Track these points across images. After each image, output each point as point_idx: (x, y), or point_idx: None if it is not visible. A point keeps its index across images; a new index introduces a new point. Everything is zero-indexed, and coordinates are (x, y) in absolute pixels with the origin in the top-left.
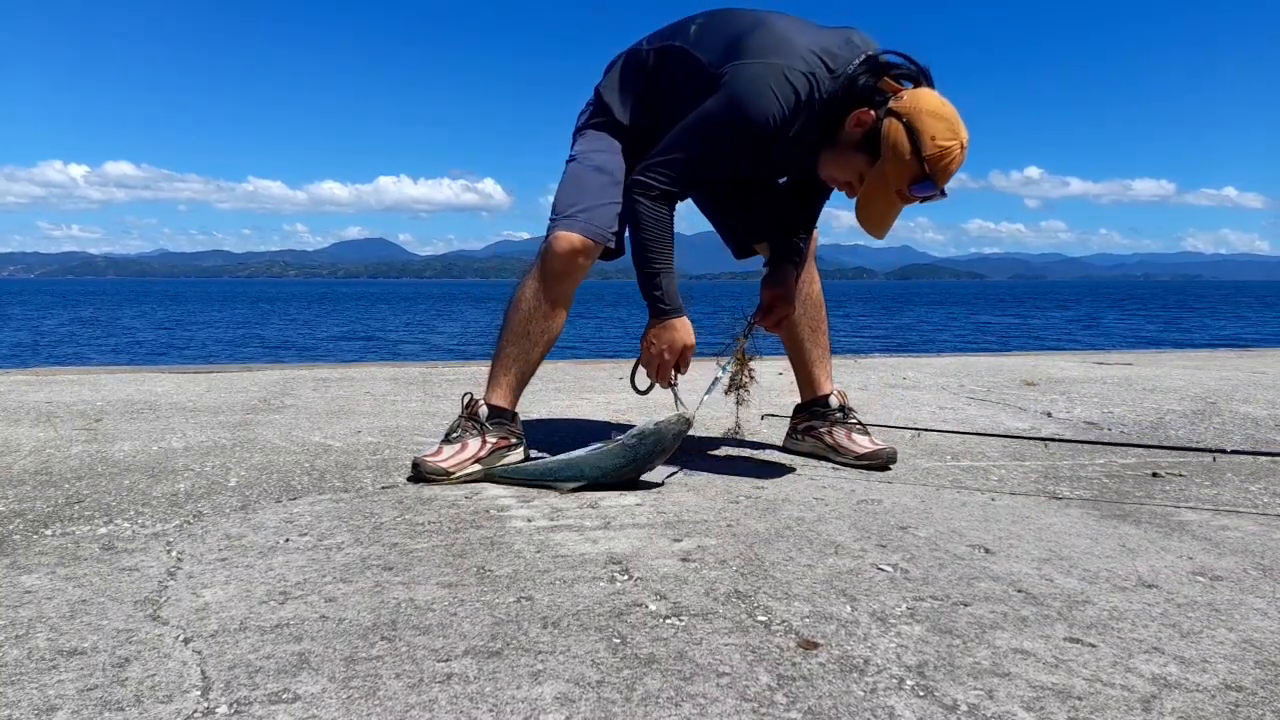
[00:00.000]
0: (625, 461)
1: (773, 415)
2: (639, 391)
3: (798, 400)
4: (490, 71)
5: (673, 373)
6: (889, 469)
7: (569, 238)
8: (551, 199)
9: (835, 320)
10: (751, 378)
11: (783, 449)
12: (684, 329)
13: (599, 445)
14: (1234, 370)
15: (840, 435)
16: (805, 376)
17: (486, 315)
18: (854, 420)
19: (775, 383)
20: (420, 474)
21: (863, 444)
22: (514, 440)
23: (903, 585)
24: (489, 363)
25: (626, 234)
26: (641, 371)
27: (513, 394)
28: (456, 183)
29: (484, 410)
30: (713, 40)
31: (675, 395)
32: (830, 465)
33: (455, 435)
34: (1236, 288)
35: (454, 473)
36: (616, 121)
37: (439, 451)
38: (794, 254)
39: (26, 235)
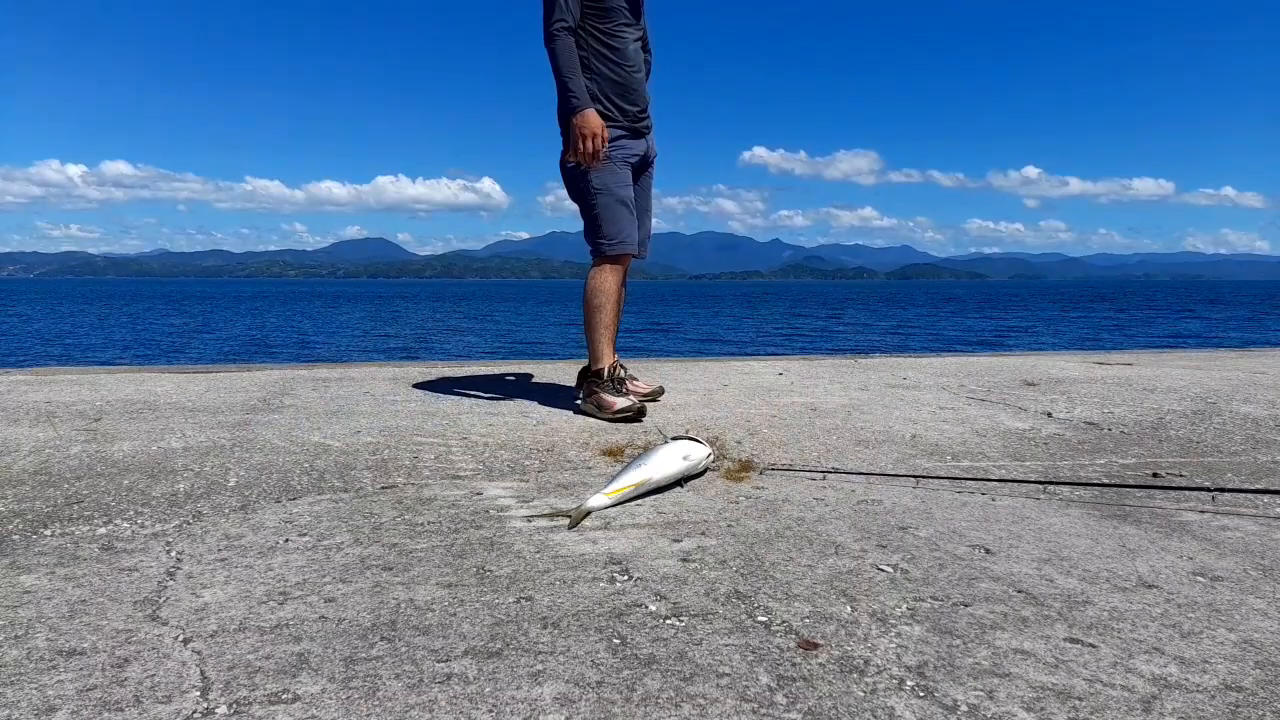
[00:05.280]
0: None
1: (773, 469)
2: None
3: (795, 399)
4: (487, 70)
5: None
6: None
7: (623, 259)
8: (551, 198)
9: (841, 323)
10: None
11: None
12: (595, 116)
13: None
14: (1234, 370)
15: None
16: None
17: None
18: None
19: (775, 383)
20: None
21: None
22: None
23: (903, 585)
24: (485, 363)
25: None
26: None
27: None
28: (455, 182)
29: (622, 373)
30: None
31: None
32: (829, 466)
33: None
34: (1235, 287)
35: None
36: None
37: (614, 403)
38: None
39: (25, 235)
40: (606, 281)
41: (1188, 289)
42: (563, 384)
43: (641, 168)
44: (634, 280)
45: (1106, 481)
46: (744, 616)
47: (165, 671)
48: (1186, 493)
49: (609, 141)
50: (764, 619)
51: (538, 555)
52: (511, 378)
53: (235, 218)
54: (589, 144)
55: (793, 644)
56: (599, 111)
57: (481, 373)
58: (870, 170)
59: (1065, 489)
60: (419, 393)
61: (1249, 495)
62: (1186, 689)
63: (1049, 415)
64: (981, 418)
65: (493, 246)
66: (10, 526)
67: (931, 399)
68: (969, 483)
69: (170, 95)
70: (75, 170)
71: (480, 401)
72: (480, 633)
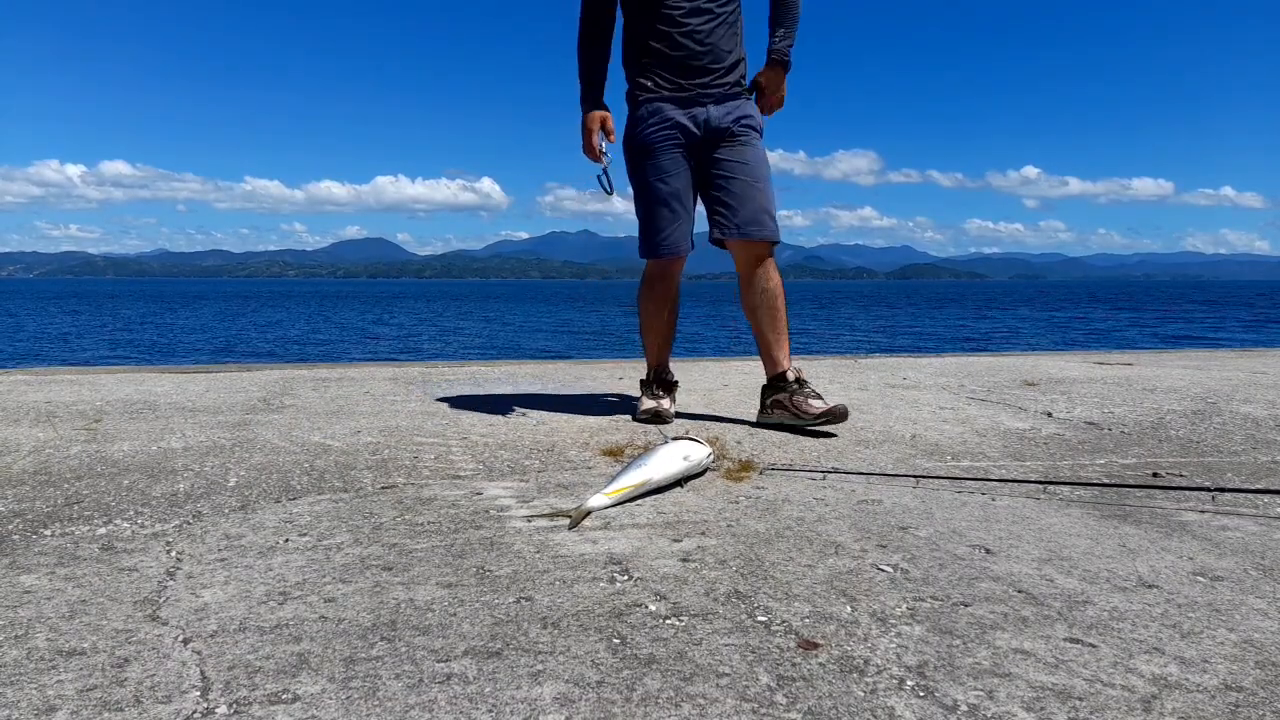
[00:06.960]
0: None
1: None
2: (607, 193)
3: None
4: (486, 70)
5: (601, 143)
6: (844, 419)
7: (672, 261)
8: (551, 198)
9: (840, 324)
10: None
11: (756, 424)
12: (590, 118)
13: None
14: (1234, 370)
15: (799, 401)
16: (767, 357)
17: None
18: (810, 389)
19: None
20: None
21: (817, 405)
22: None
23: (903, 585)
24: (485, 363)
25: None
26: (606, 178)
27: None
28: (454, 182)
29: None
30: None
31: (603, 169)
32: (829, 466)
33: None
34: (1234, 287)
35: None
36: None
37: (648, 405)
38: (773, 54)
39: (25, 235)
40: (643, 297)
41: (1186, 289)
42: (563, 384)
43: (709, 141)
44: (630, 280)
45: (1106, 481)
46: (744, 616)
47: (165, 671)
48: (1186, 493)
49: (644, 121)
50: (764, 619)
51: (538, 555)
52: (511, 378)
53: (235, 218)
54: (589, 143)
55: (793, 644)
56: (639, 83)
57: (482, 373)
58: (870, 170)
59: (1065, 489)
60: (419, 393)
61: (1249, 495)
62: (1186, 689)
63: (1049, 415)
64: (981, 418)
65: (492, 246)
66: (10, 526)
67: (931, 399)
68: (969, 483)
69: (170, 95)
70: (74, 170)
71: (480, 401)
72: (480, 633)
